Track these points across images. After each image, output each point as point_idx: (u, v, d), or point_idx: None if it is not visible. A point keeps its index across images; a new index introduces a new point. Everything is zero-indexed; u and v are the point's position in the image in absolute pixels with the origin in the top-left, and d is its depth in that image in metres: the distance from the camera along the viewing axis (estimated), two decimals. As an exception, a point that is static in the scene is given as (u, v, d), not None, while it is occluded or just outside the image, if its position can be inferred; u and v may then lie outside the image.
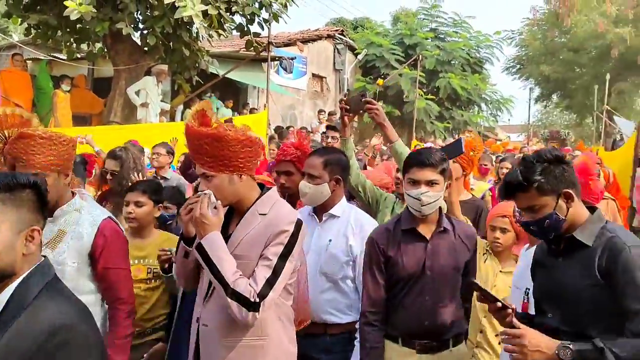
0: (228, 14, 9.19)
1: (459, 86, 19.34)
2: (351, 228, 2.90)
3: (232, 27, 9.91)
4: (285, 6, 9.66)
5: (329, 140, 4.51)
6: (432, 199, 2.50)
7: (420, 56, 17.64)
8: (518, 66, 32.02)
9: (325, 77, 18.31)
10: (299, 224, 2.16)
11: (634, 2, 24.95)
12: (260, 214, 2.18)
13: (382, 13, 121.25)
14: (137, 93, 9.14)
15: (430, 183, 2.51)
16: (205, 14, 8.21)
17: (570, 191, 2.01)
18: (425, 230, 2.59)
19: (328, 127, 4.78)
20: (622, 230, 2.03)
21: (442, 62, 19.72)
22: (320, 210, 2.96)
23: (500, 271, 3.24)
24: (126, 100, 9.24)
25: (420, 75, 17.52)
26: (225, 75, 11.34)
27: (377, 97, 18.60)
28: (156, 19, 8.30)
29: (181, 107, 11.30)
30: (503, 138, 33.42)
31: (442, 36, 21.66)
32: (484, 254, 3.33)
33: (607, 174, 6.03)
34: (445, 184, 2.59)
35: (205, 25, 8.41)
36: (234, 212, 2.29)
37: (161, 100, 9.76)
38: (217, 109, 12.60)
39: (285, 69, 14.50)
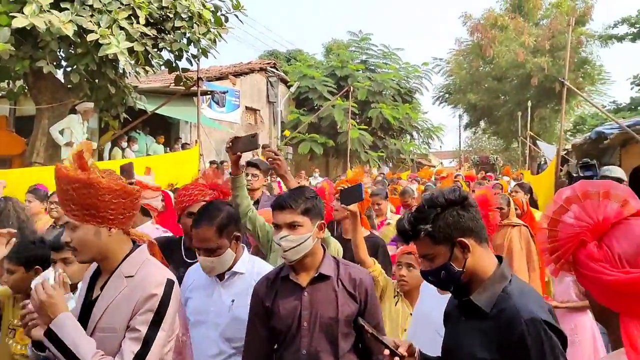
0: (155, 50, 9.08)
1: (390, 116, 19.88)
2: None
3: (160, 63, 9.79)
4: (214, 42, 9.63)
5: (249, 177, 4.48)
6: (294, 243, 2.29)
7: (351, 87, 18.05)
8: (447, 95, 33.32)
9: (259, 110, 18.35)
10: (170, 285, 1.91)
11: (549, 34, 26.60)
12: (126, 277, 1.91)
13: (314, 44, 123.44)
14: (61, 132, 8.81)
15: (291, 226, 2.31)
16: (131, 51, 8.08)
17: (466, 240, 1.79)
18: (303, 278, 2.37)
19: (248, 164, 4.71)
20: (523, 295, 1.76)
21: (374, 93, 20.24)
22: None
23: (411, 314, 3.00)
24: (50, 140, 8.88)
25: (352, 106, 17.88)
26: (156, 111, 11.16)
27: (311, 129, 18.84)
28: (79, 57, 8.08)
29: (109, 145, 11.01)
30: (436, 164, 34.50)
31: (373, 67, 22.28)
32: (395, 297, 3.15)
33: (522, 203, 6.17)
34: (315, 224, 2.36)
35: (132, 62, 8.28)
36: (100, 274, 2.03)
37: (87, 139, 9.46)
38: (147, 144, 12.37)
39: (217, 103, 14.45)
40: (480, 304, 1.77)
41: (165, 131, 14.03)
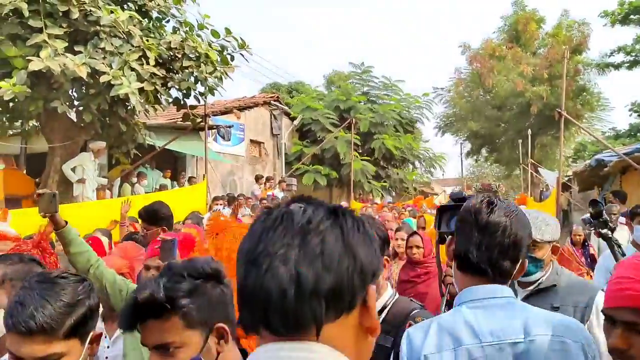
0: (164, 88, 9.40)
1: (392, 146, 20.16)
2: None
3: (169, 101, 10.10)
4: (221, 79, 9.95)
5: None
6: None
7: (354, 119, 18.38)
8: (448, 124, 33.70)
9: (263, 143, 18.66)
10: None
11: (547, 63, 27.04)
12: None
13: (315, 76, 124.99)
14: (74, 169, 9.07)
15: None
16: (141, 90, 8.38)
17: (225, 326, 1.41)
18: None
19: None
20: None
21: (376, 124, 20.57)
22: None
23: None
24: (62, 177, 9.13)
25: (355, 138, 18.18)
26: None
27: (315, 160, 19.11)
28: (92, 97, 8.38)
29: (118, 180, 11.24)
30: (439, 192, 34.70)
31: (374, 99, 22.66)
32: None
33: None
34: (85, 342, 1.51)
35: (142, 100, 8.58)
36: None
37: (97, 175, 9.71)
38: (154, 179, 12.61)
39: (223, 137, 14.73)
40: None
41: (172, 165, 14.29)
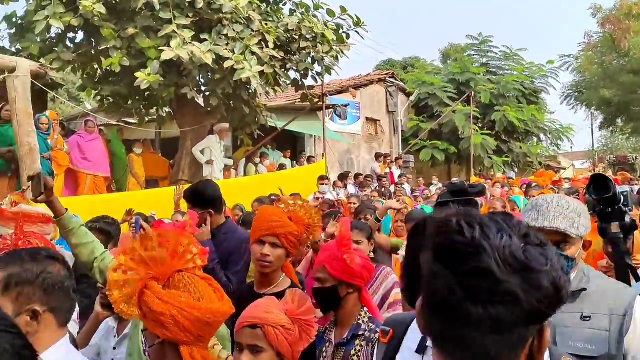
0: (283, 70, 9.68)
1: (515, 118, 19.17)
2: None
3: (288, 82, 10.38)
4: (337, 58, 10.05)
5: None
6: None
7: (472, 92, 17.71)
8: (576, 93, 31.34)
9: (379, 120, 18.58)
10: None
11: (693, 19, 24.19)
12: None
13: (430, 51, 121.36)
14: (202, 152, 9.66)
15: None
16: (261, 73, 8.69)
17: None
18: None
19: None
20: None
21: (497, 96, 19.66)
22: None
23: None
24: (192, 159, 9.77)
25: (474, 111, 17.53)
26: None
27: (432, 136, 18.72)
28: (217, 82, 8.85)
29: (243, 160, 11.78)
30: (567, 166, 32.54)
31: (494, 70, 21.65)
32: None
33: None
34: None
35: (262, 83, 8.90)
36: None
37: (225, 157, 10.26)
38: (276, 160, 13.06)
39: (339, 116, 14.88)
40: None
41: (291, 145, 14.70)
